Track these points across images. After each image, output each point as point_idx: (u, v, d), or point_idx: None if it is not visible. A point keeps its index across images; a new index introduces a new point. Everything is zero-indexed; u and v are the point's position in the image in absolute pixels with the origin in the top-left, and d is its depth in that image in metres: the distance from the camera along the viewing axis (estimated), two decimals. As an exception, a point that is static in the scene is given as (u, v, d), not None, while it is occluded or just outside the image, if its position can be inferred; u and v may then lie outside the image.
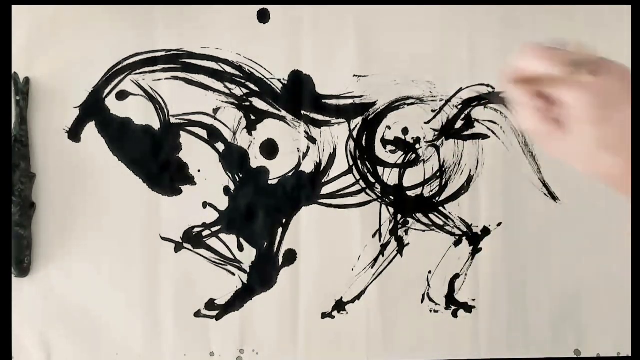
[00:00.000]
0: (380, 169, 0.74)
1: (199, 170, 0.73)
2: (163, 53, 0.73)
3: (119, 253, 0.72)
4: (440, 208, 0.74)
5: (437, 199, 0.74)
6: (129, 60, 0.73)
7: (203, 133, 0.73)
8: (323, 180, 0.74)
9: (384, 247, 0.73)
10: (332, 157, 0.74)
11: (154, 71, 0.73)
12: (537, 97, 0.43)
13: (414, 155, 0.74)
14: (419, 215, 0.74)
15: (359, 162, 0.74)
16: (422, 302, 0.73)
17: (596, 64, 0.43)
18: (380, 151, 0.74)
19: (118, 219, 0.72)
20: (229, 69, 0.73)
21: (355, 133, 0.74)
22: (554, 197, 0.74)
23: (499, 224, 0.74)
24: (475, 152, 0.74)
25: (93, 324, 0.72)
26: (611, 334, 0.73)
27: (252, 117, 0.73)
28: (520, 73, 0.44)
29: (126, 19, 0.73)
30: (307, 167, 0.74)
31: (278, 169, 0.73)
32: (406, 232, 0.73)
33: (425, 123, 0.74)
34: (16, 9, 0.71)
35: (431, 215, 0.74)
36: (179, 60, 0.73)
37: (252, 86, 0.73)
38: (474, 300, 0.73)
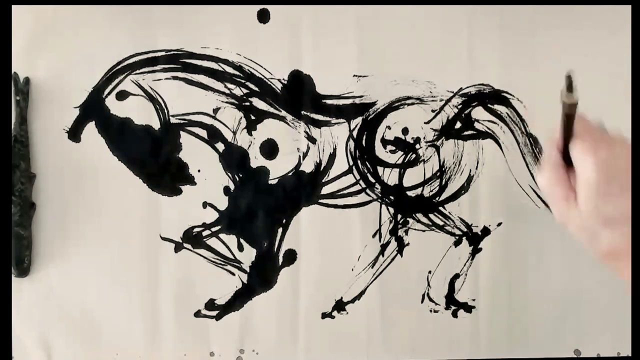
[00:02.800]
0: (380, 169, 0.74)
1: (199, 170, 0.73)
2: (163, 53, 0.73)
3: (119, 253, 0.72)
4: (440, 208, 0.74)
5: (437, 199, 0.74)
6: (129, 60, 0.73)
7: (203, 133, 0.73)
8: (323, 180, 0.74)
9: (384, 247, 0.73)
10: (332, 157, 0.74)
11: (154, 71, 0.73)
12: (561, 161, 0.44)
13: (414, 155, 0.74)
14: (419, 215, 0.74)
15: (359, 162, 0.74)
16: (422, 302, 0.73)
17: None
18: (380, 151, 0.74)
19: (118, 219, 0.72)
20: (229, 69, 0.73)
21: (355, 133, 0.74)
22: (554, 197, 0.73)
23: (499, 224, 0.74)
24: (475, 152, 0.74)
25: (93, 324, 0.72)
26: (611, 334, 0.73)
27: (252, 117, 0.73)
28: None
29: (126, 19, 0.73)
30: (307, 167, 0.74)
31: (278, 169, 0.73)
32: (406, 232, 0.73)
33: (425, 123, 0.74)
34: (16, 9, 0.71)
35: (431, 215, 0.74)
36: (179, 60, 0.73)
37: (252, 86, 0.73)
38: (474, 300, 0.73)
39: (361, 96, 0.74)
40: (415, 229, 0.74)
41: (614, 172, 0.41)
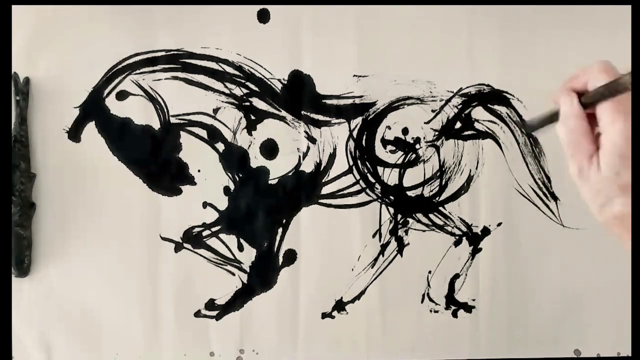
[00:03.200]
0: (380, 169, 0.74)
1: (199, 170, 0.73)
2: (163, 53, 0.73)
3: (119, 253, 0.72)
4: (440, 208, 0.74)
5: (437, 199, 0.74)
6: (129, 60, 0.73)
7: (203, 133, 0.73)
8: (323, 180, 0.74)
9: (384, 247, 0.73)
10: (332, 157, 0.74)
11: (154, 71, 0.73)
12: (585, 114, 0.43)
13: (414, 155, 0.74)
14: (419, 215, 0.74)
15: (359, 162, 0.74)
16: (422, 302, 0.73)
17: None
18: (380, 151, 0.74)
19: (118, 219, 0.72)
20: (229, 69, 0.73)
21: (355, 133, 0.74)
22: (554, 197, 0.74)
23: (499, 224, 0.74)
24: (475, 152, 0.74)
25: (93, 324, 0.72)
26: (611, 334, 0.73)
27: (252, 117, 0.73)
28: (577, 83, 0.44)
29: (126, 19, 0.73)
30: (307, 167, 0.74)
31: (278, 169, 0.73)
32: (406, 232, 0.73)
33: (425, 123, 0.74)
34: (16, 9, 0.71)
35: (431, 215, 0.74)
36: (179, 60, 0.73)
37: (252, 86, 0.73)
38: (474, 300, 0.73)
39: (361, 96, 0.74)
40: (415, 229, 0.74)
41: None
